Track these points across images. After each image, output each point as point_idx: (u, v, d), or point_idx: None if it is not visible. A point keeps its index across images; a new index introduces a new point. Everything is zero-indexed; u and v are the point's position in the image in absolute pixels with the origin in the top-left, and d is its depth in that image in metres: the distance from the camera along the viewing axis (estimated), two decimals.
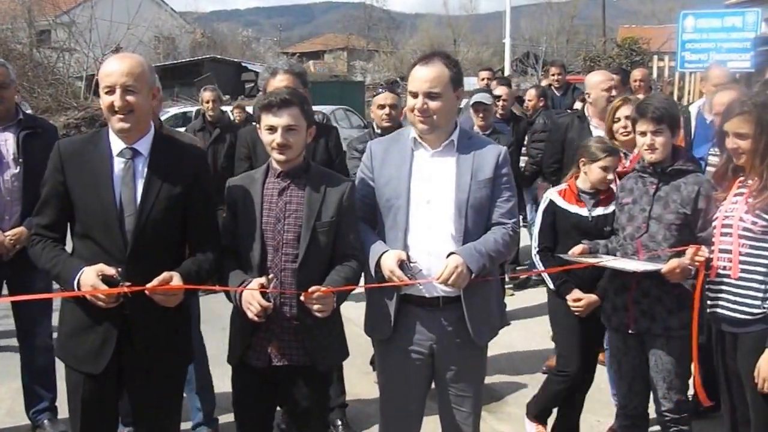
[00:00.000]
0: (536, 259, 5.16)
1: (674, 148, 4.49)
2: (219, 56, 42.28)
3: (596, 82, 6.69)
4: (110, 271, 3.46)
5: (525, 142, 9.09)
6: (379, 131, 6.09)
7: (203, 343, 5.44)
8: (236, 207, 3.89)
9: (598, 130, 6.62)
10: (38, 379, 5.63)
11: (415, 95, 3.84)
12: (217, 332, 6.41)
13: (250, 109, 16.88)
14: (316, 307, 3.62)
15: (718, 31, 15.51)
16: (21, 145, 5.35)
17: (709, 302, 4.23)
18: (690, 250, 4.17)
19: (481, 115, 7.75)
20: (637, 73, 9.55)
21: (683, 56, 15.80)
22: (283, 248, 3.77)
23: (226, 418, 5.71)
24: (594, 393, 6.17)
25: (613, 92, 6.54)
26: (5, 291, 5.53)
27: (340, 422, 5.59)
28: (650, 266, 4.26)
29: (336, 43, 67.49)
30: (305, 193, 3.81)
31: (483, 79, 11.27)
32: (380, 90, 6.45)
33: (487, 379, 4.32)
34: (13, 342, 5.76)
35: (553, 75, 11.89)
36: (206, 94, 10.09)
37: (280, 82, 4.94)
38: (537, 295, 8.93)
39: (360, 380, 6.26)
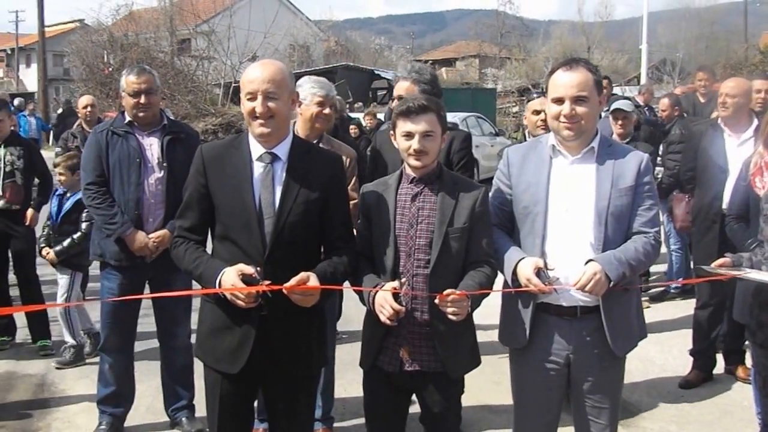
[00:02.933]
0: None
1: None
2: (352, 64, 42.82)
3: (722, 87, 6.61)
4: (249, 270, 3.52)
5: (660, 152, 8.82)
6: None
7: (334, 346, 5.51)
8: (370, 212, 3.92)
9: (731, 138, 6.44)
10: (177, 378, 5.79)
11: (560, 101, 3.77)
12: (348, 337, 6.51)
13: (380, 116, 17.18)
14: (450, 310, 3.60)
15: None
16: (165, 150, 5.53)
17: None
18: None
19: (620, 122, 7.60)
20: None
21: None
22: (415, 254, 3.77)
23: (351, 422, 5.85)
24: (737, 411, 6.03)
25: (728, 100, 6.40)
26: (147, 291, 5.73)
27: None
28: None
29: (468, 50, 67.48)
30: (438, 199, 3.81)
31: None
32: (535, 95, 6.38)
33: (623, 393, 4.20)
34: (154, 342, 5.93)
35: (700, 80, 11.17)
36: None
37: (400, 89, 5.15)
38: (674, 309, 8.84)
39: (490, 390, 6.22)
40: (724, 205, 6.18)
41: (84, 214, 7.00)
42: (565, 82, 3.76)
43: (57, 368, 7.15)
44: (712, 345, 6.81)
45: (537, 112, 6.01)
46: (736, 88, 6.46)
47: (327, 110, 5.19)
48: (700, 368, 6.79)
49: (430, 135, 3.78)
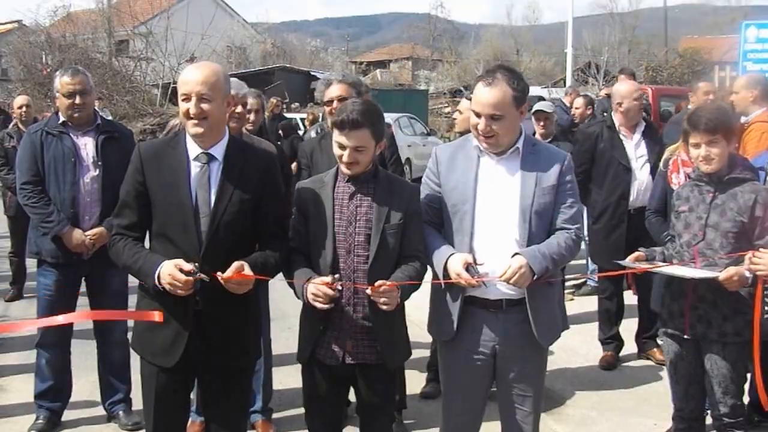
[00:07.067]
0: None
1: (731, 156, 4.50)
2: (289, 65, 42.71)
3: (628, 91, 6.81)
4: (188, 266, 3.60)
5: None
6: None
7: (270, 340, 5.64)
8: (307, 209, 3.98)
9: (627, 140, 6.73)
10: (114, 373, 5.83)
11: (478, 115, 3.90)
12: (283, 331, 6.63)
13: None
14: (382, 300, 3.70)
15: None
16: (100, 149, 5.58)
17: (767, 308, 4.25)
18: (748, 256, 4.19)
19: (542, 123, 7.84)
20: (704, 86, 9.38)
21: (745, 66, 15.68)
22: (355, 250, 3.87)
23: (286, 413, 5.95)
24: (653, 397, 6.26)
25: (635, 104, 6.73)
26: (83, 288, 5.77)
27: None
28: (707, 273, 4.27)
29: (401, 53, 67.62)
30: (374, 198, 3.91)
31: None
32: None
33: (546, 381, 4.37)
34: (91, 337, 5.94)
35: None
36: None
37: (334, 91, 5.16)
38: (596, 302, 9.04)
39: (420, 379, 6.39)
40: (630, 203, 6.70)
41: None
42: (482, 99, 3.87)
43: None
44: (617, 329, 7.34)
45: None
46: (637, 92, 6.82)
47: (239, 109, 5.23)
48: (613, 350, 7.26)
49: (361, 150, 3.85)
